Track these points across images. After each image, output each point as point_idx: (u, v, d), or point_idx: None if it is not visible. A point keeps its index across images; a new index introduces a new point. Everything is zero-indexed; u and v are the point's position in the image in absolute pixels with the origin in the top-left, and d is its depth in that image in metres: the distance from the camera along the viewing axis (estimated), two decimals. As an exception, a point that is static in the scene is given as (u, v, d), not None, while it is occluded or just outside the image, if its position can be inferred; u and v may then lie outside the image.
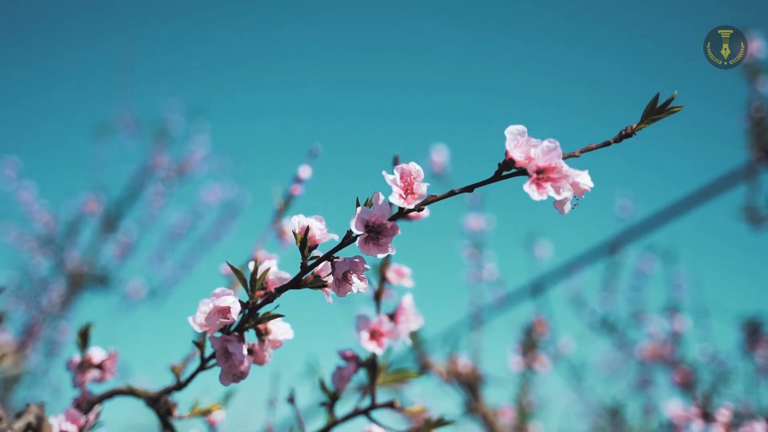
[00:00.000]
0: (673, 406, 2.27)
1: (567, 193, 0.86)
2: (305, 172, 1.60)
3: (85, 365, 1.21)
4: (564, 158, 0.87)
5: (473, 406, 2.78)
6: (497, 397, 3.03)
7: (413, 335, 2.66)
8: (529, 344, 3.11)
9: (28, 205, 5.79)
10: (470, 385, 2.81)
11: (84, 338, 1.22)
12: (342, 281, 0.91)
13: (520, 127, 0.87)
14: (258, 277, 0.97)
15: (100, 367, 1.23)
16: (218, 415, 1.37)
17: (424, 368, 2.74)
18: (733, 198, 3.08)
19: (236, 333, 0.99)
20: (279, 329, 1.02)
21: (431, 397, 3.04)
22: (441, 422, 1.16)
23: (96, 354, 1.23)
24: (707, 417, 2.01)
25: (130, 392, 1.17)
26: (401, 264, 1.28)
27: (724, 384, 3.30)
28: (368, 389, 1.23)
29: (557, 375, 4.14)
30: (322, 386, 1.24)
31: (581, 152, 0.89)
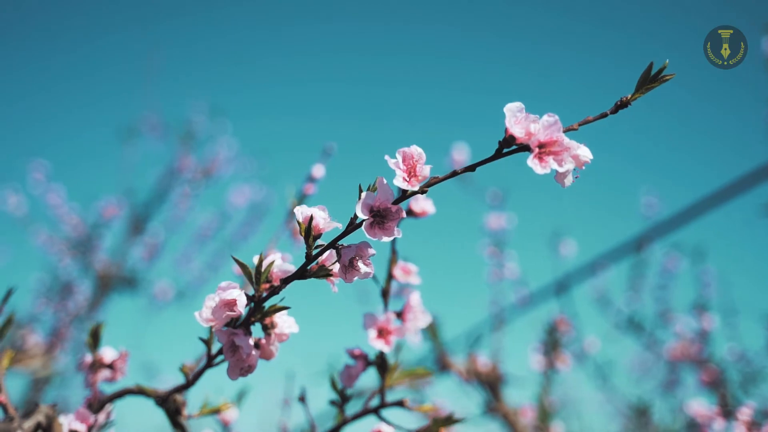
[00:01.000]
0: (697, 406, 2.23)
1: (569, 166, 0.88)
2: (319, 171, 1.60)
3: (96, 365, 1.22)
4: (563, 132, 0.87)
5: (494, 406, 2.75)
6: (519, 397, 3.00)
7: (433, 335, 2.66)
8: (552, 343, 3.08)
9: (56, 207, 5.88)
10: (491, 384, 2.79)
11: (95, 338, 1.22)
12: (349, 267, 0.92)
13: (518, 104, 0.88)
14: (263, 270, 0.98)
15: (111, 366, 1.24)
16: (231, 414, 1.37)
17: (443, 368, 2.73)
18: (761, 194, 3.03)
19: (243, 327, 0.99)
20: (285, 323, 1.02)
21: (452, 396, 3.03)
22: (450, 420, 1.14)
23: (107, 354, 1.24)
24: (729, 415, 1.97)
25: (140, 392, 1.17)
26: (410, 262, 1.26)
27: (753, 383, 3.24)
28: (379, 388, 1.22)
29: (583, 375, 4.11)
30: (333, 385, 1.24)
31: (579, 125, 0.91)
